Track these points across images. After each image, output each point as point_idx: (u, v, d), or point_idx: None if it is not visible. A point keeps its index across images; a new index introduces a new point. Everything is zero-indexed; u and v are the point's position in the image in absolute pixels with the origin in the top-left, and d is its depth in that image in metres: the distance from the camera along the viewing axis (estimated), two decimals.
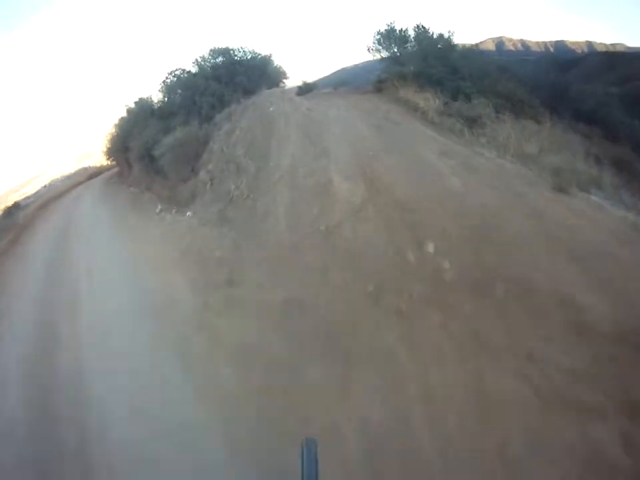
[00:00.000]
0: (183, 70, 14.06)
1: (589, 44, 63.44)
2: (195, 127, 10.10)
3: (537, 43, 73.66)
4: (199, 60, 14.18)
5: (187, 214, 7.79)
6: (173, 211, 8.60)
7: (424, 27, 14.39)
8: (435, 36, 12.32)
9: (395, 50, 13.97)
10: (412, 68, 10.67)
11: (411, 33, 14.45)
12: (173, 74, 14.09)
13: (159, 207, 9.34)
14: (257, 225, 5.67)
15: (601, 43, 58.37)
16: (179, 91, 13.10)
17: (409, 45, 13.99)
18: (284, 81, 15.95)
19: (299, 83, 14.49)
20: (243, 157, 7.52)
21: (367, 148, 6.44)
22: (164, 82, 13.91)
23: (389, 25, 13.92)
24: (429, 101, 8.89)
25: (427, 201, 4.81)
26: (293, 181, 5.96)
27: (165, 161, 9.90)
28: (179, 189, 9.39)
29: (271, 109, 8.81)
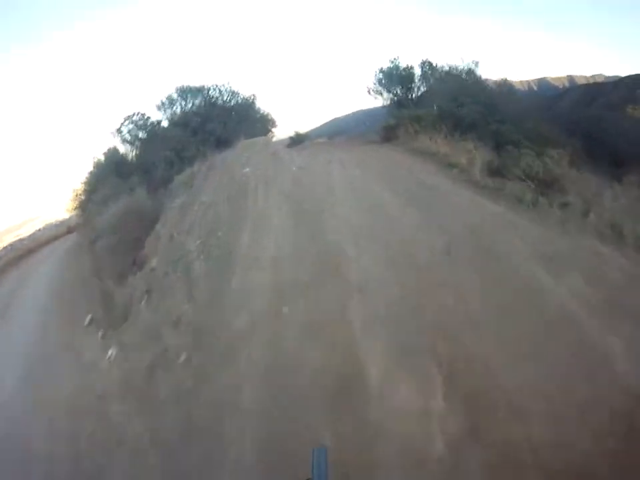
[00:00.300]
0: (142, 115, 11.54)
1: (570, 78, 66.00)
2: (142, 195, 7.29)
3: (520, 81, 77.38)
4: (165, 102, 11.72)
5: (109, 352, 4.70)
6: (100, 333, 5.51)
7: (430, 63, 12.39)
8: (456, 69, 10.19)
9: (398, 90, 11.81)
10: (435, 108, 8.31)
11: (417, 71, 12.50)
12: (131, 120, 11.56)
13: (89, 316, 6.23)
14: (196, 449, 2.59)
15: (581, 76, 60.41)
16: (138, 142, 10.49)
17: (416, 83, 11.92)
18: (272, 129, 13.60)
19: (290, 133, 12.84)
20: (196, 255, 4.64)
21: (412, 248, 3.64)
22: (119, 130, 11.32)
23: (392, 62, 11.91)
24: (468, 153, 6.39)
25: None
26: (270, 349, 2.94)
27: (100, 247, 6.96)
28: (116, 292, 6.36)
29: (246, 169, 6.11)
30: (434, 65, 11.59)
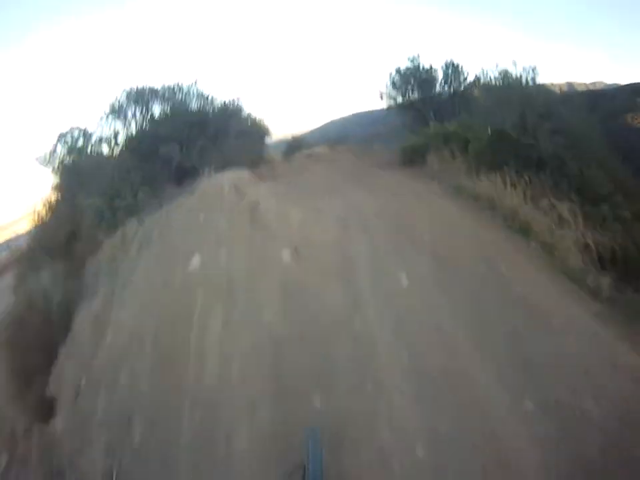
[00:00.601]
0: (80, 129, 8.58)
1: (570, 84, 64.78)
2: (47, 283, 4.55)
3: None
4: (106, 114, 8.69)
5: None
6: None
7: (454, 64, 9.77)
8: (509, 76, 7.58)
9: (416, 94, 9.18)
10: (488, 130, 5.73)
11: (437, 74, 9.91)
12: (64, 139, 8.61)
13: None
14: None
15: (581, 83, 59.05)
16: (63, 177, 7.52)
17: (437, 86, 9.33)
18: (265, 141, 10.80)
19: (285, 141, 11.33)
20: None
21: None
22: (48, 156, 8.38)
23: (411, 61, 9.11)
24: (563, 223, 3.88)
25: None
26: None
27: None
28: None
29: (193, 262, 3.41)
30: (458, 67, 9.09)
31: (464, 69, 8.95)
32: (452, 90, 8.90)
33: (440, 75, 8.90)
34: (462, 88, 8.83)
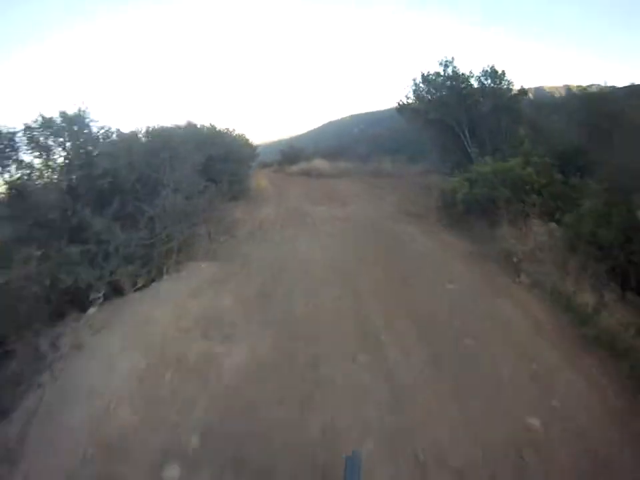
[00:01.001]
0: None
1: (567, 87, 65.41)
2: None
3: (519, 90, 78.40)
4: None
5: None
6: None
7: (495, 71, 8.42)
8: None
9: (446, 105, 7.81)
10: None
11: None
12: None
13: None
14: None
15: (578, 86, 59.69)
16: None
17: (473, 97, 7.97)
18: (250, 166, 9.07)
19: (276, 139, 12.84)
20: None
21: None
22: None
23: (442, 64, 7.62)
24: None
25: None
26: None
27: None
28: None
29: None
30: (501, 74, 7.90)
31: (507, 77, 7.72)
32: (492, 102, 7.62)
33: (474, 84, 7.75)
34: (505, 100, 7.58)
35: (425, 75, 8.04)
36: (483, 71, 7.94)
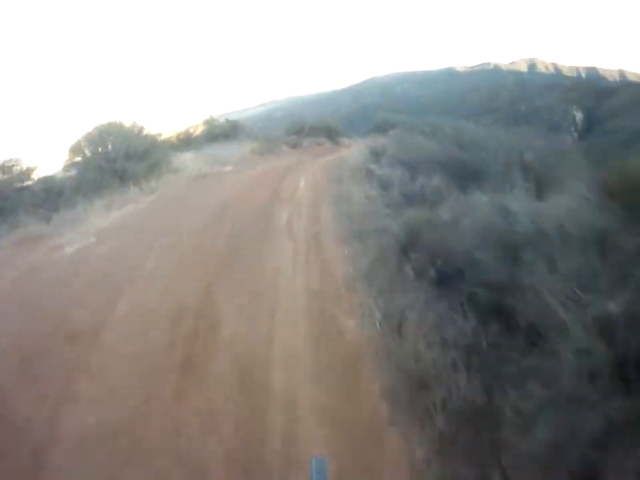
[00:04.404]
0: None
1: (621, 72, 75.56)
2: None
3: (570, 67, 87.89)
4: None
5: None
6: None
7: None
8: None
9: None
10: None
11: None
12: None
13: None
14: None
15: (633, 72, 69.49)
16: None
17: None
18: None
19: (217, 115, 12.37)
20: None
21: None
22: None
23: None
24: None
25: None
26: None
27: None
28: None
29: None
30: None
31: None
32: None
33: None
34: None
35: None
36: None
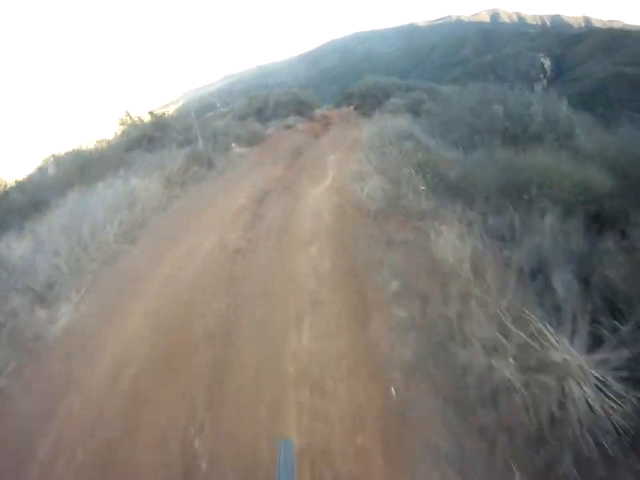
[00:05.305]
0: None
1: (586, 19, 76.56)
2: None
3: (533, 16, 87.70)
4: None
5: None
6: None
7: None
8: None
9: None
10: None
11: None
12: None
13: None
14: None
15: (598, 19, 70.69)
16: None
17: None
18: None
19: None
20: None
21: None
22: None
23: None
24: None
25: None
26: None
27: None
28: None
29: None
30: None
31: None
32: None
33: None
34: None
35: None
36: None
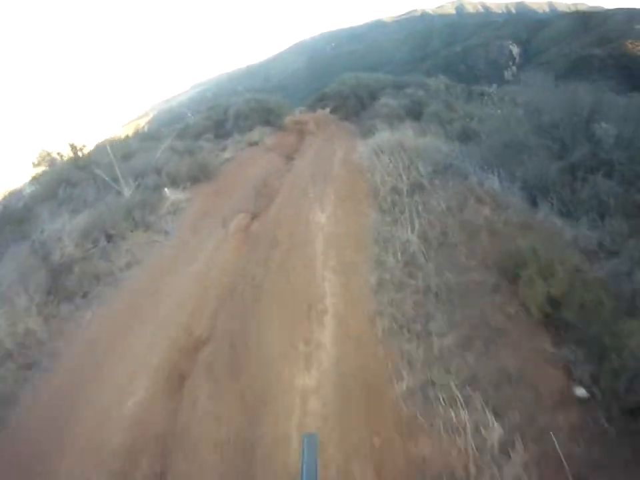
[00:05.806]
0: None
1: (550, 4, 77.08)
2: None
3: (498, 4, 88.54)
4: None
5: None
6: None
7: None
8: None
9: None
10: None
11: None
12: None
13: None
14: None
15: (562, 3, 71.12)
16: None
17: None
18: None
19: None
20: None
21: None
22: None
23: None
24: None
25: None
26: None
27: None
28: None
29: None
30: None
31: None
32: None
33: None
34: None
35: None
36: None
